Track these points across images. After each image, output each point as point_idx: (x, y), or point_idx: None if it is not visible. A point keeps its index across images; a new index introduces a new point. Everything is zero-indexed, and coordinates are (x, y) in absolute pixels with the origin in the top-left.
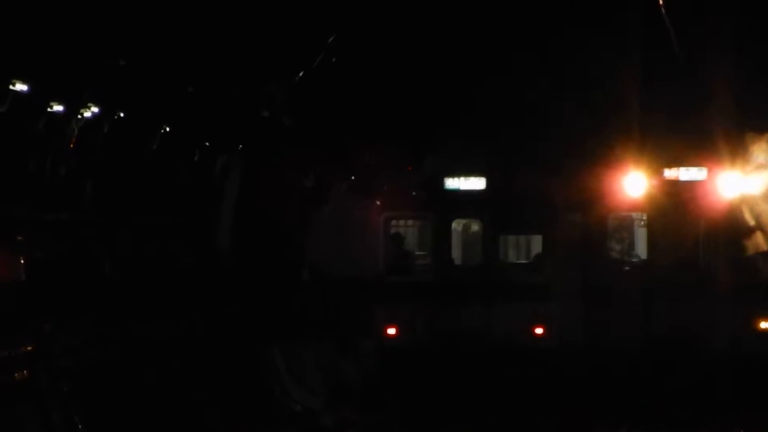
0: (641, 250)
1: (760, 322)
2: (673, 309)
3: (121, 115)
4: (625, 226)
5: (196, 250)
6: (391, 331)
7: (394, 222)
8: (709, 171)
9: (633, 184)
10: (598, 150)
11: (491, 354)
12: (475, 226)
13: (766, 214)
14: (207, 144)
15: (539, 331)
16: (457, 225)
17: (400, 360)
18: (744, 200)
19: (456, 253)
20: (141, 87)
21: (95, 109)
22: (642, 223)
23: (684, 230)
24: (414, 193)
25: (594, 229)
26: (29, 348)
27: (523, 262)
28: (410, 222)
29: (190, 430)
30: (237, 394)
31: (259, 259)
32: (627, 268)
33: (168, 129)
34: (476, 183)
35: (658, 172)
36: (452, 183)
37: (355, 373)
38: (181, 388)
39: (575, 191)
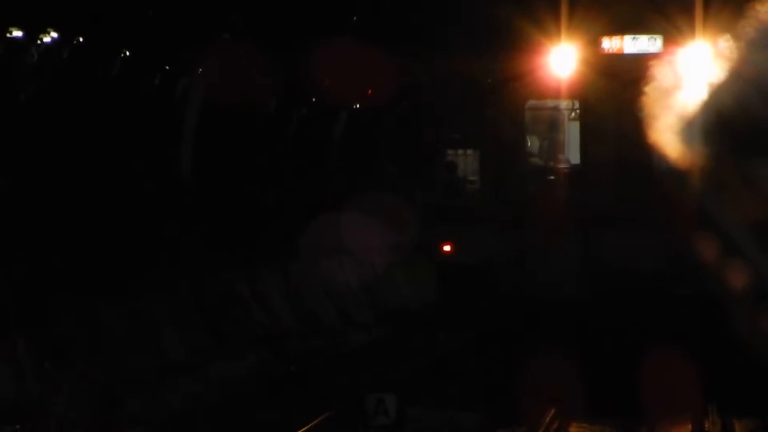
0: (573, 152)
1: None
2: (616, 236)
3: (81, 40)
4: (550, 120)
5: (156, 176)
6: (447, 248)
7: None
8: (666, 41)
9: (559, 60)
10: (510, 17)
11: None
12: None
13: (745, 100)
14: (167, 68)
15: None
16: None
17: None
18: (714, 82)
19: None
20: (101, 11)
21: (54, 35)
22: (573, 114)
23: (630, 124)
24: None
25: (506, 126)
26: None
27: None
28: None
29: (151, 360)
30: (199, 320)
31: (221, 184)
32: (551, 177)
33: (128, 53)
34: None
35: (593, 43)
36: None
37: (324, 299)
38: (145, 317)
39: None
